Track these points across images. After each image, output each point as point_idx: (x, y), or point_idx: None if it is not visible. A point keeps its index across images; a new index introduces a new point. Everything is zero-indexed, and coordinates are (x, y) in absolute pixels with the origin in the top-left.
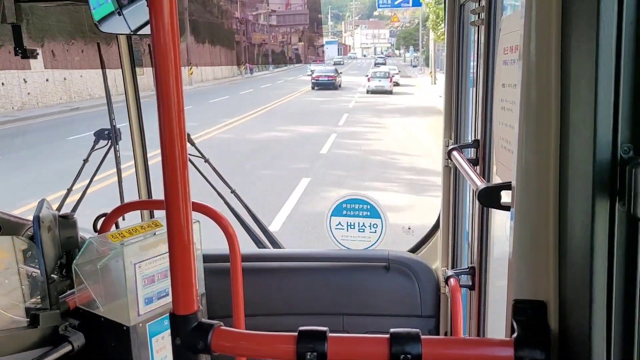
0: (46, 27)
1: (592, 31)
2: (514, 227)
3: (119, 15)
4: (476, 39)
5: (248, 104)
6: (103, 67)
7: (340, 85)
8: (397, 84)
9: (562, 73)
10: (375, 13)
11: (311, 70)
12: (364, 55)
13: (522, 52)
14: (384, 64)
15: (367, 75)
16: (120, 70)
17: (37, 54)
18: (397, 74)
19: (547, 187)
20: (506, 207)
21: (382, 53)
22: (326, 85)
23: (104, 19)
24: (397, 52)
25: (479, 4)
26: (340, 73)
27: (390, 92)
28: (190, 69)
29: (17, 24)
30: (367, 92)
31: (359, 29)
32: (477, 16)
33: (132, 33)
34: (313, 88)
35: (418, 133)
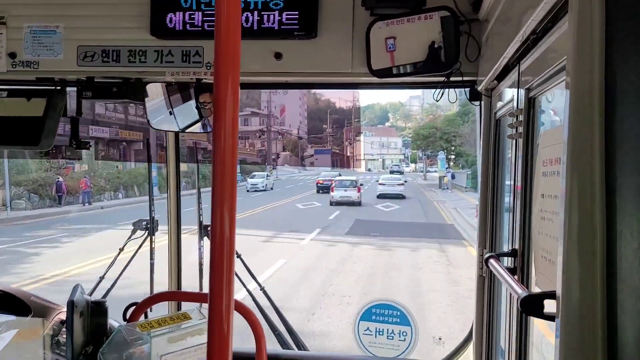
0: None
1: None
2: (560, 338)
3: (170, 114)
4: (513, 150)
5: None
6: (149, 161)
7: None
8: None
9: (607, 185)
10: (388, 123)
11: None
12: (369, 170)
13: (564, 166)
14: (400, 172)
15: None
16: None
17: (90, 145)
18: (403, 184)
19: (593, 298)
20: (550, 317)
21: (391, 162)
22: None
23: (156, 117)
24: (412, 165)
25: (517, 119)
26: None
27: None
28: None
29: (76, 117)
30: (331, 203)
31: (362, 137)
32: (514, 130)
33: (180, 130)
34: (331, 204)
35: None
